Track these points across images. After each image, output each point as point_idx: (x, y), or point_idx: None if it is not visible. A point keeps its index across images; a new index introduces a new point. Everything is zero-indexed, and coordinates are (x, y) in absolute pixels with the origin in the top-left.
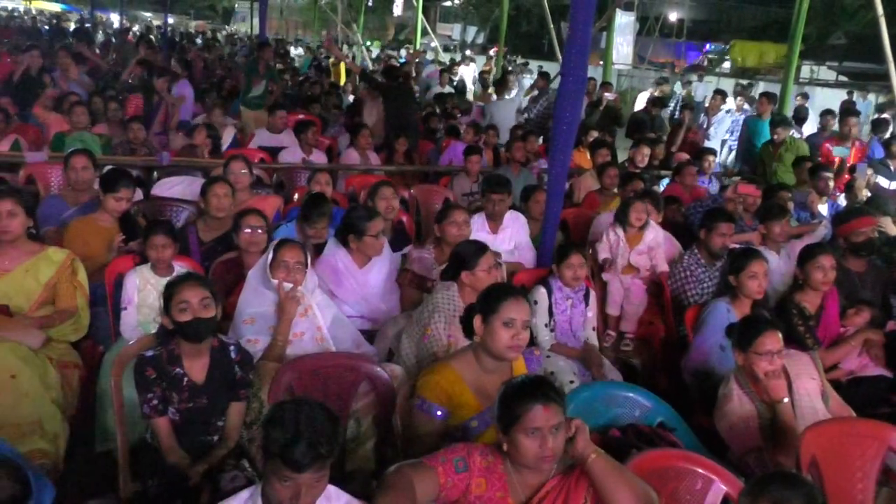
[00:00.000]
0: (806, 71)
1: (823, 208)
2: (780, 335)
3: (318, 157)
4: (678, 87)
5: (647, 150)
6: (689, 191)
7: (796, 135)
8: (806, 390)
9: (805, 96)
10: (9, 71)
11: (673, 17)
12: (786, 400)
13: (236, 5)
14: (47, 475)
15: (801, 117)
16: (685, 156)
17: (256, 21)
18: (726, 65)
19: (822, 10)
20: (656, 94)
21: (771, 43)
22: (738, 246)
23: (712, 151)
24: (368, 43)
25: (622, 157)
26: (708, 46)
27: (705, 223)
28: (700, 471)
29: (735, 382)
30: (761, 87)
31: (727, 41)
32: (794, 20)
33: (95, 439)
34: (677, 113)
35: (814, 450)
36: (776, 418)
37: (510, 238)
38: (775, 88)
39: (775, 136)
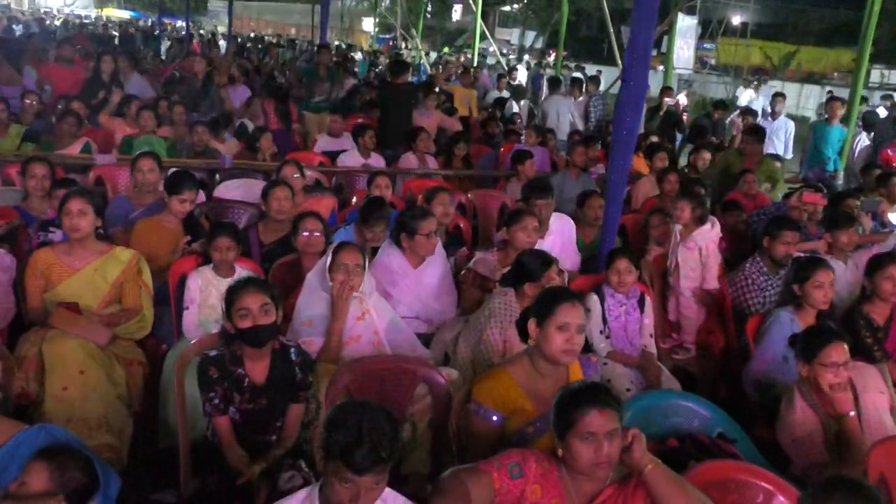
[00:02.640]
0: (876, 75)
1: (894, 217)
2: (846, 346)
3: (377, 161)
4: (740, 92)
5: (707, 156)
6: (750, 198)
7: (865, 141)
8: (874, 404)
9: (891, 98)
10: (81, 76)
11: (736, 20)
12: (852, 414)
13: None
14: (112, 469)
15: (870, 123)
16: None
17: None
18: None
19: (895, 12)
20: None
21: (838, 48)
22: (802, 255)
23: (776, 157)
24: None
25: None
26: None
27: (769, 231)
28: (761, 484)
29: (798, 394)
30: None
31: (793, 44)
32: (865, 22)
33: (158, 435)
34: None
35: (882, 466)
36: (842, 432)
37: (557, 243)
38: (844, 93)
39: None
